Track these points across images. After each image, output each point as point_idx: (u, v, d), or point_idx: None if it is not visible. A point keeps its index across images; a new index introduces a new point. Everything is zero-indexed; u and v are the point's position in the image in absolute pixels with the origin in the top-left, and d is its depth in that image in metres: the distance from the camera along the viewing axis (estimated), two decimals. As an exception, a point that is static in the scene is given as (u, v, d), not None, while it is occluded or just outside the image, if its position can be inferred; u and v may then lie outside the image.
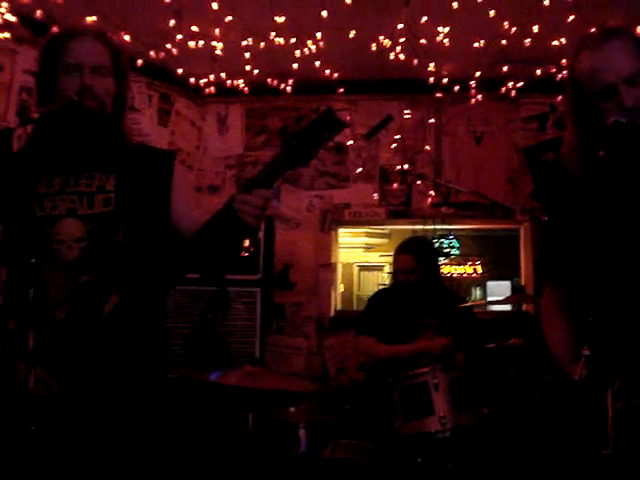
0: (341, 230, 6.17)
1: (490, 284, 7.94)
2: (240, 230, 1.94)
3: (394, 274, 4.46)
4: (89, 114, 2.11)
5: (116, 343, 2.02)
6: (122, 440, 2.04)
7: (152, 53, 4.85)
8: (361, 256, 8.67)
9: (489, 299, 8.03)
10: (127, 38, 4.42)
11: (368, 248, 8.57)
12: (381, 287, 5.34)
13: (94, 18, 4.15)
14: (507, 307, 5.64)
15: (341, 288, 6.69)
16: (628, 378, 1.87)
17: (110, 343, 2.01)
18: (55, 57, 2.15)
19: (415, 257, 4.29)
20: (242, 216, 1.88)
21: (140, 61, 4.91)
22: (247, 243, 4.80)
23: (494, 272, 7.30)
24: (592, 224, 1.98)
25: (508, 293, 7.67)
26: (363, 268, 8.73)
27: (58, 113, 2.09)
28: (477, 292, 8.22)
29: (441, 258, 5.18)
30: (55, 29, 4.09)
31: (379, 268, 8.57)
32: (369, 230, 7.66)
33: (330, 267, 5.84)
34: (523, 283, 5.81)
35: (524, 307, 5.46)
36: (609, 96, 1.98)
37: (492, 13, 4.46)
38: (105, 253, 2.08)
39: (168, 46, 4.77)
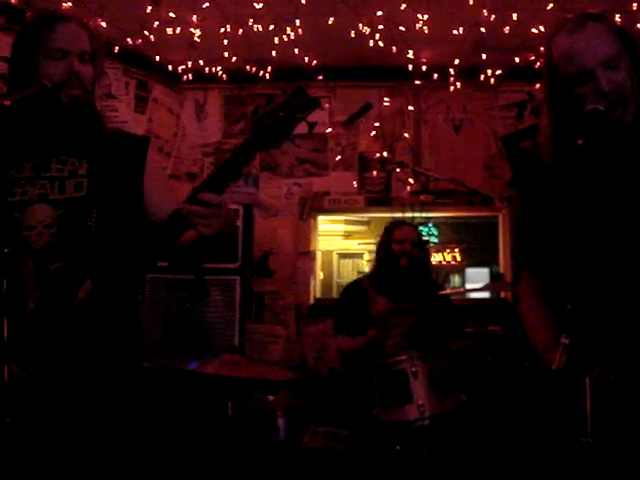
0: (320, 218, 6.14)
1: (469, 271, 7.92)
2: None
3: (388, 248, 4.35)
4: (74, 101, 2.08)
5: (89, 331, 2.00)
6: (96, 430, 2.03)
7: (129, 40, 4.81)
8: (340, 244, 8.65)
9: (467, 286, 8.06)
10: (104, 24, 4.37)
11: (347, 236, 8.55)
12: (356, 278, 5.30)
13: (70, 4, 4.10)
14: (485, 295, 5.64)
15: (320, 275, 6.68)
16: (606, 366, 1.88)
17: (83, 331, 1.98)
18: (36, 42, 2.11)
19: (418, 232, 4.43)
20: (197, 228, 1.85)
21: (117, 48, 4.87)
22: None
23: (473, 259, 7.30)
24: (568, 211, 1.98)
25: (487, 280, 7.69)
26: (342, 255, 8.71)
27: (31, 99, 2.06)
28: (456, 279, 8.22)
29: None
30: (30, 15, 4.04)
31: (358, 256, 8.56)
32: (348, 218, 7.63)
33: (309, 255, 5.84)
34: (502, 270, 5.83)
35: (502, 294, 5.48)
36: (586, 81, 1.98)
37: (471, 1, 4.45)
38: (77, 239, 2.05)
39: (145, 33, 4.73)
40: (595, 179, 1.98)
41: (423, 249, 4.36)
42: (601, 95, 1.95)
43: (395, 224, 4.47)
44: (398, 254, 4.28)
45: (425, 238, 5.58)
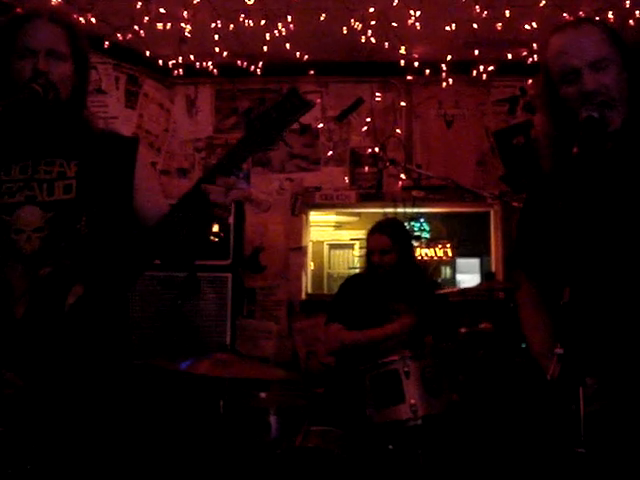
0: (312, 213, 6.14)
1: (460, 262, 7.98)
2: (207, 218, 1.93)
3: (367, 256, 4.38)
4: (44, 101, 2.04)
5: (79, 336, 1.96)
6: (91, 433, 2.01)
7: (119, 35, 4.77)
8: (331, 234, 8.66)
9: (458, 277, 8.08)
10: (93, 20, 4.34)
11: (338, 226, 8.56)
12: (352, 269, 5.30)
13: (59, 0, 4.06)
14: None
15: (311, 266, 6.68)
16: (601, 376, 1.88)
17: (73, 336, 1.94)
18: (9, 41, 2.08)
19: (390, 237, 4.24)
20: (212, 208, 1.87)
21: (107, 43, 4.83)
22: (216, 228, 4.77)
23: (464, 249, 7.33)
24: (567, 219, 1.97)
25: (478, 271, 7.73)
26: (334, 246, 8.72)
27: (20, 104, 2.03)
28: (447, 270, 8.25)
29: (413, 242, 5.14)
30: (19, 11, 4.00)
31: (350, 246, 8.57)
32: (340, 209, 7.65)
33: (301, 250, 5.83)
34: (493, 264, 5.84)
35: (494, 291, 5.48)
36: (572, 80, 1.98)
37: (463, -3, 4.45)
38: (66, 243, 2.03)
39: (136, 28, 4.70)
40: (593, 187, 1.97)
41: (404, 248, 4.32)
42: (584, 96, 1.95)
43: (371, 231, 4.40)
44: (374, 263, 4.29)
45: (416, 234, 5.59)
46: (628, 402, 1.91)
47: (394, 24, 4.75)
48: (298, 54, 5.17)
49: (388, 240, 4.23)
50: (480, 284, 5.17)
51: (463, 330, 4.35)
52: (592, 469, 1.66)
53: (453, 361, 3.93)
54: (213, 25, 4.75)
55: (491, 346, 4.35)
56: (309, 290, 6.05)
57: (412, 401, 3.45)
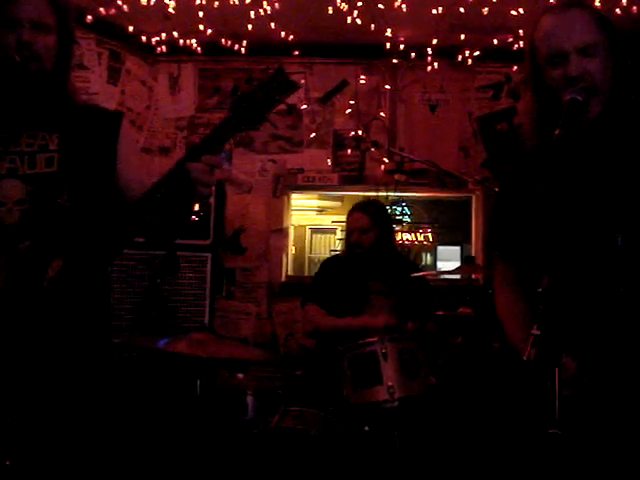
0: (294, 195, 6.12)
1: (441, 249, 7.99)
2: (190, 196, 1.91)
3: (346, 235, 4.37)
4: (27, 72, 2.02)
5: (58, 310, 1.94)
6: (66, 409, 2.00)
7: (102, 9, 4.71)
8: (314, 219, 8.65)
9: (439, 264, 8.11)
10: (76, -7, 4.27)
11: (320, 211, 8.55)
12: (333, 253, 5.29)
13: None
14: (457, 276, 5.66)
15: (293, 250, 6.67)
16: (580, 357, 1.89)
17: (52, 310, 1.93)
18: None
19: (370, 216, 4.23)
20: (195, 186, 1.85)
21: (90, 17, 4.76)
22: (197, 207, 4.74)
23: (445, 237, 7.35)
24: (545, 200, 1.97)
25: (458, 258, 7.76)
26: (315, 230, 8.71)
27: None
28: (428, 257, 8.26)
29: (393, 225, 5.14)
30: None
31: (332, 231, 8.56)
32: (322, 192, 7.64)
33: (282, 232, 5.81)
34: (474, 251, 5.86)
35: (473, 276, 5.51)
36: (559, 63, 1.97)
37: (451, -20, 4.43)
38: (47, 216, 2.01)
39: (119, 2, 4.64)
40: (574, 169, 1.96)
41: (383, 230, 4.30)
42: (567, 80, 1.94)
43: (351, 210, 4.39)
44: (352, 243, 4.28)
45: (398, 218, 5.59)
46: (604, 383, 1.92)
47: (380, 6, 4.71)
48: (283, 34, 5.12)
49: (368, 219, 4.21)
50: (459, 267, 5.17)
51: (441, 314, 4.36)
52: (567, 450, 1.66)
53: (432, 344, 3.94)
54: (198, 2, 4.71)
55: (470, 331, 4.37)
56: (289, 272, 6.04)
57: (389, 383, 3.45)
